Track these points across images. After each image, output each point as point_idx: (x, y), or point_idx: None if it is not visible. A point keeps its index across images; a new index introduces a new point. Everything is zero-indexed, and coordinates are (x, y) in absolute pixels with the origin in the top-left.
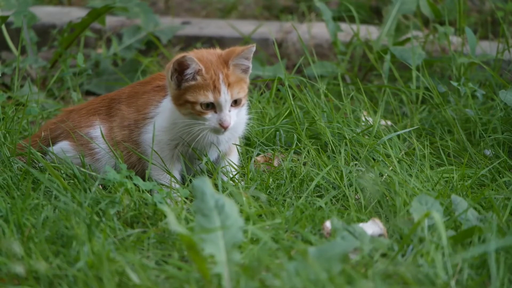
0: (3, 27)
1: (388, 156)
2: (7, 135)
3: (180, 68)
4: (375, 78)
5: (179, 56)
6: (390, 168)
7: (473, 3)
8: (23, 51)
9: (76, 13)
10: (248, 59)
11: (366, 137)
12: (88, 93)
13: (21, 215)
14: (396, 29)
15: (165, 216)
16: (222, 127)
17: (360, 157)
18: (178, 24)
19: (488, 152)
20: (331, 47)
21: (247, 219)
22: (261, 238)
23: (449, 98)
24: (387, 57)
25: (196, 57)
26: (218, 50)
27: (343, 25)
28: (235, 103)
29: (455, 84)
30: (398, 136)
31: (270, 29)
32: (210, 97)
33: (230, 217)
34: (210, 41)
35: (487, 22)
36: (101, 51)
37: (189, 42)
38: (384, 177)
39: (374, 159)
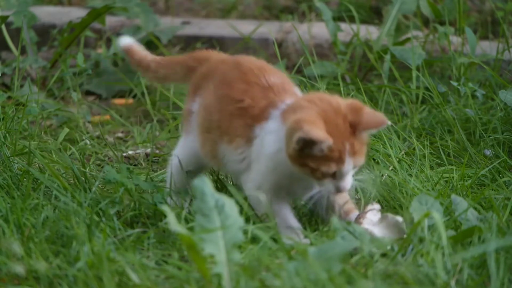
0: (3, 27)
1: (388, 156)
2: (7, 135)
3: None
4: (375, 78)
5: (305, 131)
6: (390, 168)
7: (473, 3)
8: (23, 51)
9: (76, 13)
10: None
11: None
12: (88, 93)
13: (21, 215)
14: (396, 29)
15: (165, 216)
16: (337, 192)
17: None
18: (178, 24)
19: (488, 152)
20: (331, 47)
21: (247, 219)
22: (261, 238)
23: (449, 98)
24: (387, 57)
25: (325, 128)
26: (339, 104)
27: (343, 25)
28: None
29: (455, 84)
30: (398, 136)
31: (270, 29)
32: (333, 168)
33: (230, 217)
34: (210, 41)
35: (487, 22)
36: (101, 51)
37: (189, 42)
38: (384, 177)
39: (374, 159)
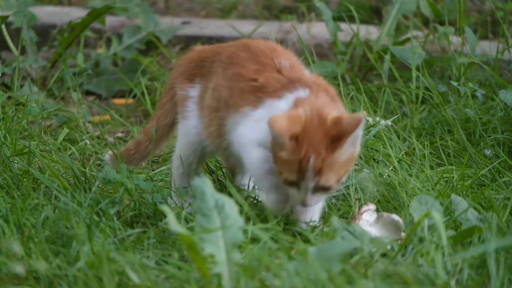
0: (3, 27)
1: (388, 156)
2: (7, 135)
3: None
4: (375, 78)
5: (272, 120)
6: (390, 168)
7: (473, 3)
8: (23, 51)
9: (76, 13)
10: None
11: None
12: (88, 93)
13: (21, 215)
14: (396, 29)
15: (165, 216)
16: (301, 205)
17: (360, 157)
18: (178, 24)
19: (488, 152)
20: (331, 47)
21: (247, 219)
22: (261, 238)
23: (449, 98)
24: (387, 57)
25: (299, 134)
26: (327, 118)
27: (343, 25)
28: (323, 188)
29: (455, 84)
30: (398, 136)
31: (270, 29)
32: (293, 176)
33: (230, 217)
34: (210, 41)
35: (487, 22)
36: (101, 51)
37: (189, 42)
38: (384, 177)
39: (374, 159)
